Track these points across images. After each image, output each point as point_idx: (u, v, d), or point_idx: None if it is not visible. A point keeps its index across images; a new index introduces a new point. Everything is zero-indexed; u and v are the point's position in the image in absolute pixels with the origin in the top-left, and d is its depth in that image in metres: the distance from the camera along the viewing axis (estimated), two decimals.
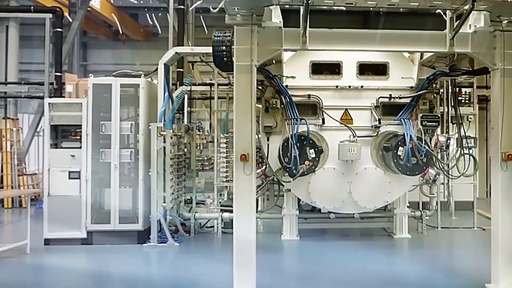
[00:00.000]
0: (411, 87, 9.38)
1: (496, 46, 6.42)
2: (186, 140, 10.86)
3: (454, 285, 7.35)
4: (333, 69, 9.47)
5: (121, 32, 20.69)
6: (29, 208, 9.60)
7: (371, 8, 6.29)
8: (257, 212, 10.51)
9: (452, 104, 9.99)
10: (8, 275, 7.89)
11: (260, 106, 9.25)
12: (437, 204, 10.72)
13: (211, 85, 13.14)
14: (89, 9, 18.77)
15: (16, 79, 16.48)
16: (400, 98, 9.31)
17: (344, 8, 6.47)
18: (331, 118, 9.27)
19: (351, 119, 9.39)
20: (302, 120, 8.72)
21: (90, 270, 8.50)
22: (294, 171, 8.56)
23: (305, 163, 8.64)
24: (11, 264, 8.53)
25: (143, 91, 9.90)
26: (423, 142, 8.56)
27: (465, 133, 9.22)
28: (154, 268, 8.75)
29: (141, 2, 19.15)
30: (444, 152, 9.90)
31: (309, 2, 5.60)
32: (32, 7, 15.80)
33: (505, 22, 6.36)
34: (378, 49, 7.60)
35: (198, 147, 11.29)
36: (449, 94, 10.21)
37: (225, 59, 7.77)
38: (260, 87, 9.14)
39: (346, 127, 9.12)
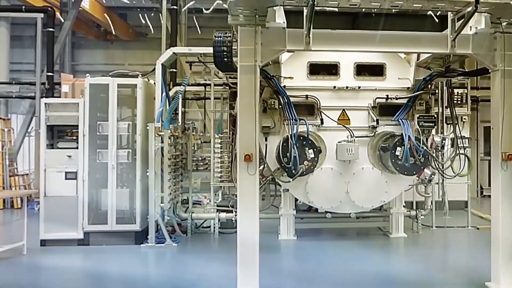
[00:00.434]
0: (408, 87, 9.48)
1: (496, 47, 6.52)
2: (182, 140, 10.85)
3: (454, 283, 7.43)
4: (331, 69, 9.54)
5: (113, 32, 20.55)
6: (26, 208, 9.53)
7: (374, 10, 6.34)
8: None
9: (447, 105, 10.12)
10: (6, 276, 7.84)
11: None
12: (432, 203, 10.83)
13: (205, 85, 13.14)
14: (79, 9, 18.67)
15: (7, 79, 16.35)
16: (396, 98, 9.40)
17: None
18: (328, 119, 9.31)
19: (349, 119, 9.45)
20: (302, 120, 8.74)
21: (89, 271, 8.43)
22: (294, 171, 8.59)
23: (304, 163, 8.69)
24: (8, 265, 8.46)
25: (140, 91, 9.89)
26: (421, 142, 8.65)
27: (460, 133, 9.36)
28: (154, 269, 8.72)
29: (134, 2, 19.01)
30: (439, 152, 9.99)
31: (315, 3, 5.62)
32: (23, 7, 15.66)
33: (504, 23, 6.46)
34: (381, 50, 7.67)
35: (193, 148, 11.30)
36: (444, 94, 10.30)
37: (225, 59, 7.77)
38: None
39: (344, 128, 9.17)
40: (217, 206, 11.16)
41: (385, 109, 9.45)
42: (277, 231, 10.42)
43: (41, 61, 16.16)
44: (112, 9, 20.28)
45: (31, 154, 16.83)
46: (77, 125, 9.74)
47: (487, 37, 6.55)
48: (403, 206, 10.49)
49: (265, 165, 9.13)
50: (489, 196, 16.41)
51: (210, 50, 9.79)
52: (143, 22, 20.22)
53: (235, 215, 10.43)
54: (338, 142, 9.11)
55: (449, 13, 6.39)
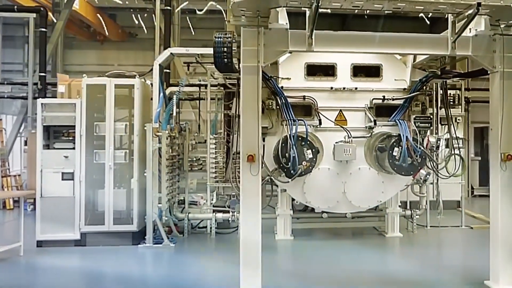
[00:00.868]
0: (404, 89, 9.57)
1: (495, 49, 6.63)
2: (179, 141, 10.86)
3: (453, 282, 7.51)
4: (328, 70, 9.61)
5: (106, 33, 20.46)
6: (22, 209, 9.47)
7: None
8: None
9: (441, 106, 10.22)
10: (5, 278, 7.79)
11: None
12: (426, 203, 10.94)
13: (200, 86, 13.14)
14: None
15: None
16: (393, 99, 9.48)
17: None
18: (325, 119, 9.37)
19: (346, 120, 9.51)
20: (301, 121, 8.79)
21: (89, 271, 8.38)
22: (292, 171, 8.63)
23: (303, 163, 8.73)
24: (6, 266, 8.42)
25: (138, 91, 9.88)
26: (419, 143, 8.75)
27: (455, 134, 9.47)
28: (155, 269, 8.71)
29: (126, 2, 18.95)
30: (434, 153, 10.09)
31: (319, 4, 5.67)
32: (15, 7, 15.56)
33: (503, 26, 6.57)
34: (382, 51, 7.72)
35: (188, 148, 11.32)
36: (439, 95, 10.40)
37: (225, 60, 7.78)
38: None
39: (342, 128, 9.24)
40: (213, 206, 11.19)
41: (382, 110, 9.54)
42: (273, 231, 10.47)
43: (33, 61, 16.08)
44: (101, 10, 20.19)
45: (22, 154, 16.65)
46: (74, 126, 9.71)
47: (487, 39, 6.66)
48: (399, 206, 10.59)
49: (263, 165, 9.15)
50: (480, 196, 16.83)
51: (207, 50, 9.94)
52: (136, 22, 20.14)
53: (232, 215, 10.50)
54: (336, 142, 9.18)
55: (449, 15, 6.47)
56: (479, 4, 5.61)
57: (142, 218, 9.82)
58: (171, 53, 10.09)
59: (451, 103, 12.11)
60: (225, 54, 7.70)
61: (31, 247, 9.37)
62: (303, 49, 6.54)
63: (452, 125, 9.46)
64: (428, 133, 9.87)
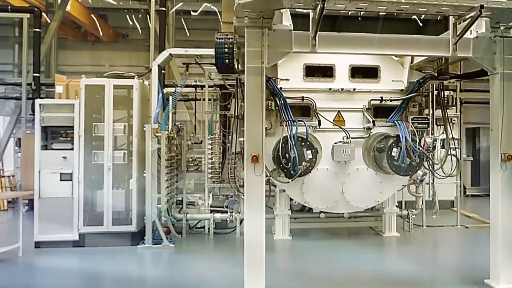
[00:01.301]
0: (401, 90, 9.69)
1: (496, 51, 6.75)
2: (177, 141, 10.88)
3: (453, 281, 7.58)
4: (326, 72, 9.70)
5: (101, 34, 20.36)
6: (21, 210, 9.43)
7: (380, 13, 6.49)
8: None
9: (437, 107, 10.32)
10: (4, 279, 7.76)
11: None
12: (422, 203, 11.05)
13: (196, 86, 13.17)
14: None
15: None
16: (391, 100, 9.58)
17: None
18: (323, 120, 9.45)
19: (344, 120, 9.61)
20: (301, 122, 8.84)
21: (90, 273, 8.31)
22: (292, 172, 8.68)
23: (303, 164, 8.79)
24: (5, 267, 8.38)
25: (136, 92, 9.88)
26: (417, 143, 8.85)
27: (452, 134, 9.59)
28: (157, 270, 8.67)
29: (121, 3, 18.89)
30: (431, 153, 10.19)
31: (324, 6, 5.73)
32: (9, 7, 15.45)
33: (502, 28, 6.68)
34: (384, 53, 7.81)
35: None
36: (434, 97, 10.50)
37: (226, 60, 7.84)
38: None
39: (340, 129, 9.32)
40: (212, 207, 11.23)
41: (380, 111, 9.66)
42: (271, 231, 10.51)
43: (26, 62, 15.99)
44: (92, 10, 20.09)
45: (14, 155, 16.53)
46: (72, 126, 9.69)
47: (487, 41, 6.78)
48: (396, 206, 10.69)
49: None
50: (472, 195, 16.99)
51: (206, 51, 9.98)
52: (131, 23, 20.07)
53: (230, 216, 10.54)
54: (335, 143, 9.26)
55: (450, 17, 6.57)
56: (482, 6, 5.70)
57: (141, 219, 9.82)
58: (170, 54, 10.10)
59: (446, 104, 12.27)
60: (226, 55, 7.77)
61: (29, 248, 9.32)
62: (307, 50, 6.59)
63: (448, 126, 9.57)
64: (425, 133, 9.98)
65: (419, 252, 9.64)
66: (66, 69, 19.05)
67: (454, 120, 12.25)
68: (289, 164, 8.59)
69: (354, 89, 9.63)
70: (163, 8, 15.38)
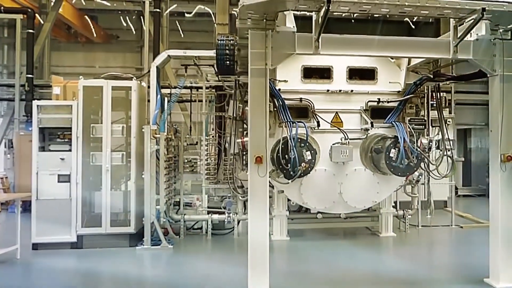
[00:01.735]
0: (398, 91, 9.78)
1: (495, 53, 6.86)
2: (174, 142, 10.90)
3: (453, 280, 7.67)
4: (324, 73, 9.76)
5: (95, 35, 20.30)
6: (19, 212, 9.37)
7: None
8: (245, 213, 10.72)
9: (432, 108, 10.44)
10: (4, 281, 7.72)
11: None
12: (418, 203, 11.17)
13: (191, 88, 13.21)
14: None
15: None
16: (388, 102, 9.67)
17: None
18: (321, 121, 9.50)
19: (341, 122, 9.66)
20: (300, 123, 8.88)
21: (89, 274, 8.28)
22: (292, 172, 8.73)
23: (302, 165, 8.83)
24: (4, 269, 8.34)
25: (135, 93, 9.88)
26: (415, 144, 8.95)
27: (448, 135, 9.70)
28: (158, 271, 8.65)
29: (114, 4, 18.85)
30: (426, 154, 10.31)
31: (329, 8, 5.79)
32: (1, 8, 15.36)
33: (501, 30, 6.80)
34: (386, 55, 7.94)
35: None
36: (429, 98, 10.61)
37: (227, 62, 7.91)
38: None
39: (339, 130, 9.37)
40: (209, 208, 11.27)
41: (377, 112, 9.72)
42: (269, 232, 10.53)
43: (19, 63, 15.91)
44: (83, 11, 20.03)
45: (3, 156, 16.42)
46: (69, 127, 9.67)
47: (487, 43, 6.89)
48: (392, 207, 10.79)
49: None
50: (464, 196, 17.18)
51: (204, 53, 10.03)
52: (125, 24, 20.04)
53: (228, 217, 10.58)
54: (333, 144, 9.32)
55: (451, 19, 6.67)
56: (483, 9, 5.80)
57: (140, 220, 9.81)
58: (168, 56, 10.10)
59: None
60: (227, 56, 7.83)
61: (26, 250, 9.29)
62: (310, 52, 6.63)
63: (444, 127, 9.68)
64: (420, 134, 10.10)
65: (417, 252, 9.75)
66: (59, 70, 18.94)
67: (449, 121, 12.40)
68: (289, 165, 8.62)
69: (352, 91, 9.70)
70: (157, 10, 15.37)
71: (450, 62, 9.28)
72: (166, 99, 10.41)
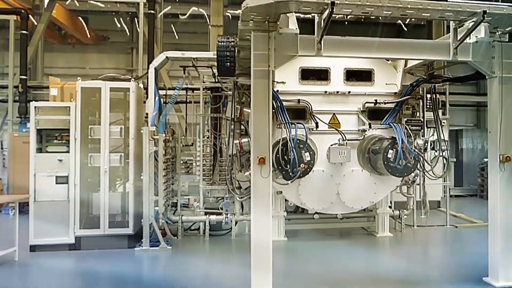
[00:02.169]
0: (395, 93, 9.88)
1: (494, 55, 6.97)
2: (172, 144, 10.92)
3: (452, 280, 7.74)
4: (321, 75, 9.84)
5: (88, 35, 20.23)
6: (17, 214, 9.33)
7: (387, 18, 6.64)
8: (242, 214, 10.77)
9: (427, 109, 10.56)
10: (2, 284, 7.70)
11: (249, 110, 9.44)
12: (413, 203, 11.27)
13: (187, 89, 13.23)
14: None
15: None
16: (385, 103, 9.77)
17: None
18: (318, 122, 9.58)
19: (339, 123, 9.75)
20: (300, 124, 8.94)
21: (87, 276, 8.26)
22: (291, 173, 8.78)
23: (301, 165, 8.89)
24: (3, 271, 8.30)
25: (133, 95, 9.89)
26: (413, 145, 9.06)
27: (444, 136, 9.83)
28: (156, 272, 8.62)
29: (108, 6, 18.80)
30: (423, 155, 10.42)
31: (333, 10, 5.86)
32: None
33: (499, 33, 6.91)
34: (386, 56, 8.02)
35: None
36: (425, 99, 10.73)
37: (227, 64, 7.95)
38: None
39: (336, 131, 9.46)
40: (206, 209, 11.30)
41: (374, 113, 9.83)
42: None
43: (13, 64, 15.83)
44: (73, 12, 19.96)
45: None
46: (67, 129, 9.64)
47: (486, 46, 7.00)
48: (389, 207, 10.89)
49: None
50: (456, 196, 17.34)
51: (202, 54, 10.08)
52: (119, 25, 20.00)
53: (226, 217, 10.61)
54: (331, 145, 9.40)
55: (451, 22, 6.77)
56: (484, 12, 5.90)
57: (138, 221, 9.82)
58: (166, 57, 10.11)
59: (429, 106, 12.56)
60: (228, 58, 7.88)
61: (24, 251, 9.23)
62: (312, 54, 6.69)
63: (440, 128, 9.80)
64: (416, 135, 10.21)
65: (415, 252, 9.86)
66: (52, 71, 18.84)
67: (444, 123, 12.53)
68: (288, 166, 8.67)
69: (349, 92, 9.79)
70: (152, 11, 15.37)
71: (443, 64, 9.44)
72: (162, 99, 10.42)
